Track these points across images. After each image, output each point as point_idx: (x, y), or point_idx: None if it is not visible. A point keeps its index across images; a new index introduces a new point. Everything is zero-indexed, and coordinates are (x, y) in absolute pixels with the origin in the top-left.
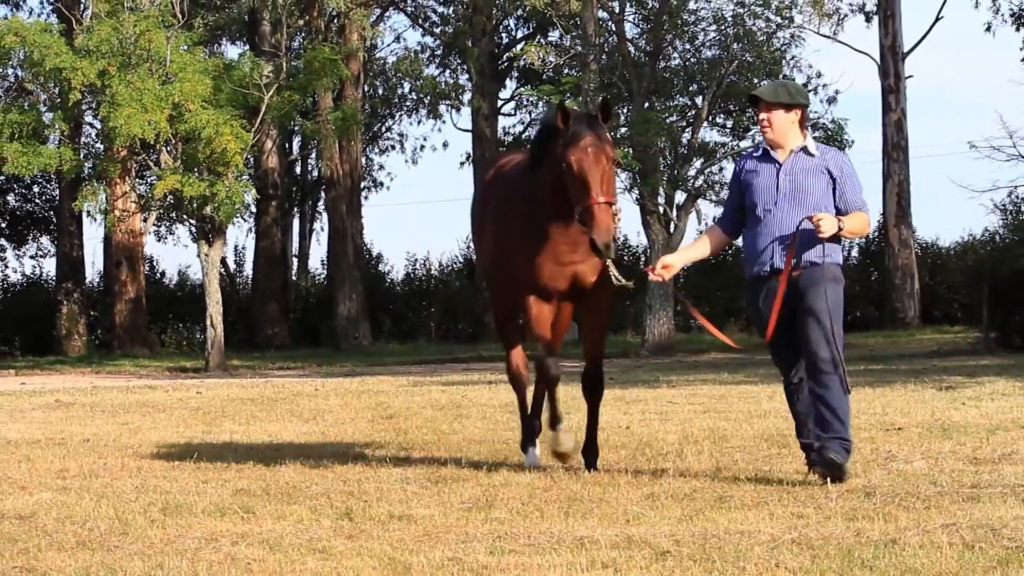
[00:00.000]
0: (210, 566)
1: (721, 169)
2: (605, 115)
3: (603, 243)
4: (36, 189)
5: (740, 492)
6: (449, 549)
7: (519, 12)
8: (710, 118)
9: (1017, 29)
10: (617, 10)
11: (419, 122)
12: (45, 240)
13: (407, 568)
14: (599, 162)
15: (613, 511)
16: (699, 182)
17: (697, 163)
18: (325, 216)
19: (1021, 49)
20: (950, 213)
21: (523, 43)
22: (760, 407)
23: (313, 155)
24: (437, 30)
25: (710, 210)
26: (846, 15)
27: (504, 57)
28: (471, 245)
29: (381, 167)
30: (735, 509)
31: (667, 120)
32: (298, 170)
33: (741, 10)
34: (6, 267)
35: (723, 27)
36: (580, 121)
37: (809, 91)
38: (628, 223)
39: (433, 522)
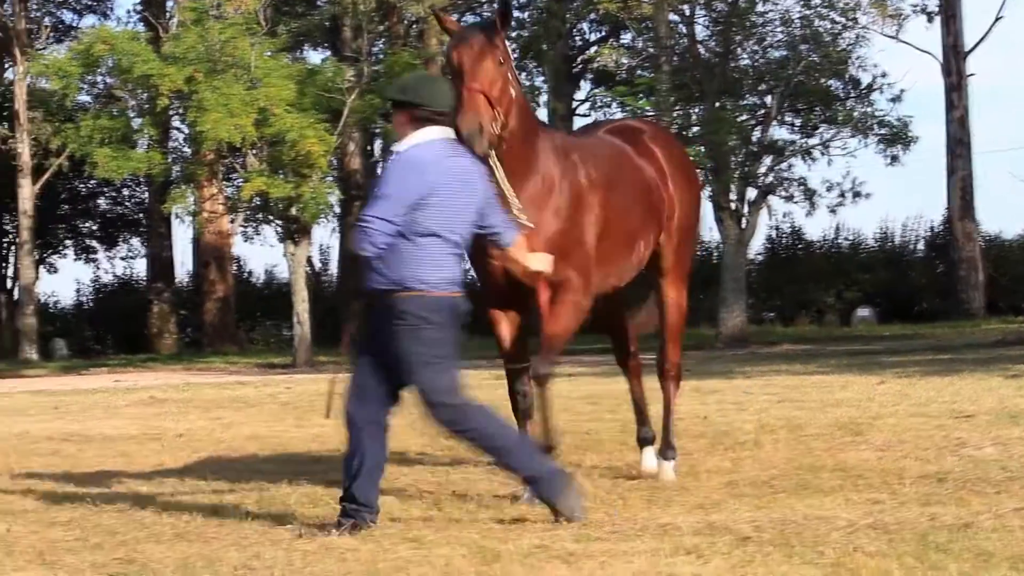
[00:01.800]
0: (305, 556)
1: (790, 166)
2: (503, 22)
3: (467, 130)
4: (126, 192)
5: (817, 479)
6: (536, 537)
7: (592, 16)
8: (779, 116)
9: None
10: (688, 13)
11: None
12: (136, 242)
13: (496, 556)
14: (483, 59)
15: (694, 499)
16: (769, 179)
17: (767, 160)
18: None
19: None
20: (1013, 207)
21: (597, 46)
22: (833, 396)
23: None
24: (513, 34)
25: (780, 206)
26: (908, 16)
27: (579, 60)
28: None
29: None
30: (813, 495)
31: (738, 119)
32: (380, 171)
33: (808, 11)
34: (98, 268)
35: (790, 28)
36: (472, 27)
37: (875, 90)
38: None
39: (520, 511)
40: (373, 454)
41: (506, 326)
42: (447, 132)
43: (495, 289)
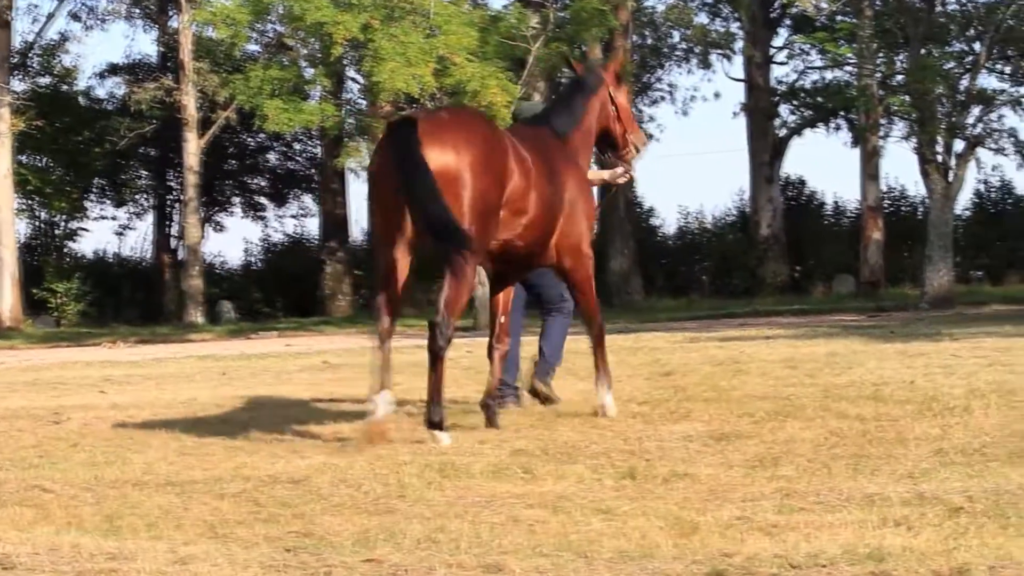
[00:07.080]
0: (492, 528)
1: (1000, 117)
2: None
3: None
4: (297, 147)
5: None
6: (736, 508)
7: None
8: (988, 64)
9: None
10: None
11: (689, 72)
12: (307, 199)
13: (694, 527)
14: None
15: (902, 467)
16: (978, 130)
17: (975, 110)
18: (595, 168)
19: None
20: None
21: None
22: None
23: None
24: None
25: (989, 159)
26: None
27: (776, 4)
28: (743, 198)
29: (651, 118)
30: None
31: (944, 66)
32: None
33: None
34: (267, 227)
35: None
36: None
37: None
38: (907, 172)
39: (718, 480)
40: None
41: None
42: None
43: None
